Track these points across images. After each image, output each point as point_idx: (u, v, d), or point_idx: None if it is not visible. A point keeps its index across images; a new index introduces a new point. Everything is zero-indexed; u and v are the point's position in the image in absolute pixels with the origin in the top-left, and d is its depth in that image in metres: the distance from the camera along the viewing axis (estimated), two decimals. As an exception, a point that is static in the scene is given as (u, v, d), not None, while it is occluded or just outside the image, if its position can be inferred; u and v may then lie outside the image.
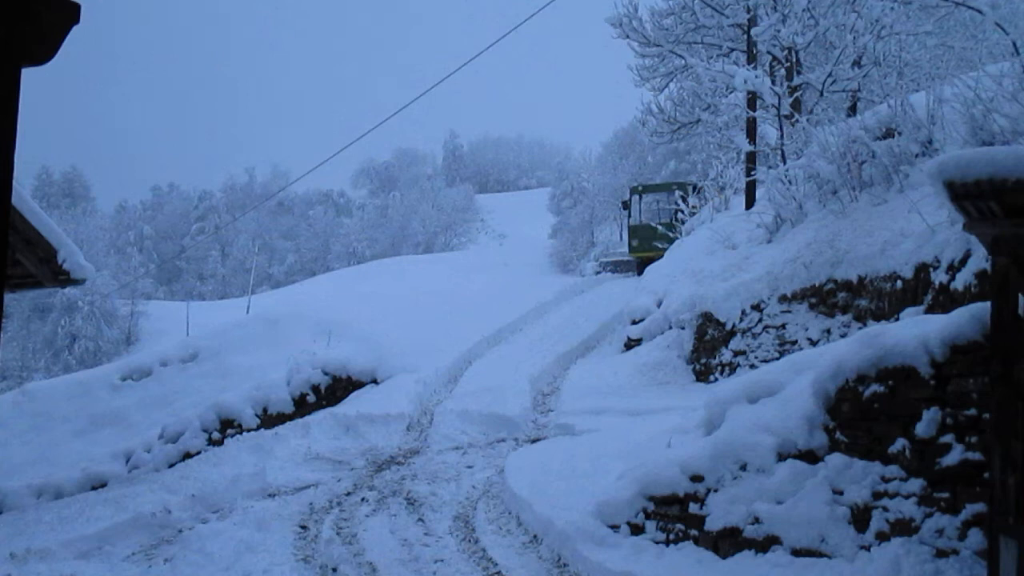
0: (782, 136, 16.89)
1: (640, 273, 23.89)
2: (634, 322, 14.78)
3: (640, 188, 27.31)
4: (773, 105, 16.74)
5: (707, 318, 12.19)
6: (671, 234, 22.65)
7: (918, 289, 8.42)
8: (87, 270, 8.29)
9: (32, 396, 13.99)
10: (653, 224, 24.74)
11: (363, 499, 8.60)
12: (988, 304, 4.77)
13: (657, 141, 22.59)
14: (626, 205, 26.95)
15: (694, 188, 25.17)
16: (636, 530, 6.42)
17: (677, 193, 25.31)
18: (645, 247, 24.78)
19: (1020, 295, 4.68)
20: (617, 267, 27.24)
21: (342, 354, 13.25)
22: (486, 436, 10.69)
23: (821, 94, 17.68)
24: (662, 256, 22.68)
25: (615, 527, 6.48)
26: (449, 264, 30.95)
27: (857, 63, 17.51)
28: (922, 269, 8.38)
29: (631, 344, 14.41)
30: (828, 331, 10.08)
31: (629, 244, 26.03)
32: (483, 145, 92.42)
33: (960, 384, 5.07)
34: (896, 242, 9.06)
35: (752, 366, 10.75)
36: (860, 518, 5.40)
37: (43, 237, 7.74)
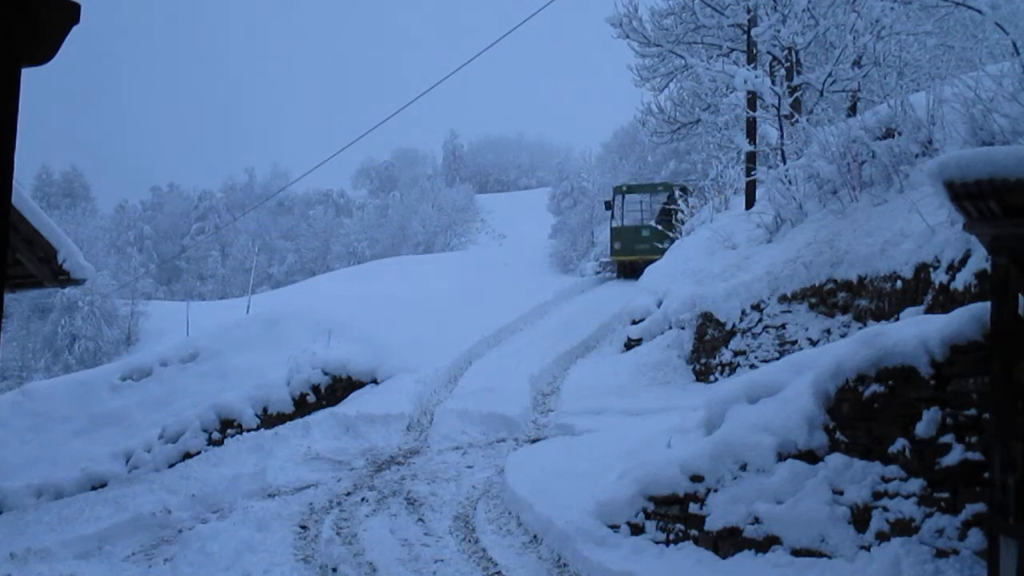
0: (782, 136, 16.89)
1: (619, 277, 22.91)
2: (634, 322, 14.78)
3: (624, 188, 25.71)
4: (773, 105, 16.74)
5: (707, 318, 12.19)
6: (671, 233, 22.38)
7: (918, 289, 8.42)
8: (87, 270, 8.28)
9: (32, 396, 13.97)
10: (637, 226, 23.76)
11: (363, 499, 8.60)
12: (988, 304, 4.77)
13: (657, 141, 22.58)
14: (609, 205, 25.18)
15: (682, 189, 24.31)
16: (636, 530, 6.42)
17: (663, 194, 24.32)
18: (628, 250, 23.41)
19: (1020, 295, 4.68)
20: None
21: (342, 354, 13.24)
22: (486, 436, 10.69)
23: (821, 94, 17.68)
24: (645, 261, 21.57)
25: (615, 527, 6.48)
26: (449, 264, 30.94)
27: (857, 63, 17.51)
28: (922, 269, 8.38)
29: (631, 344, 14.40)
30: (828, 331, 10.08)
31: (611, 247, 24.23)
32: (483, 145, 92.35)
33: (960, 384, 5.07)
34: (896, 242, 9.06)
35: (752, 366, 10.75)
36: (860, 518, 5.40)
37: (43, 237, 7.74)
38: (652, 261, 20.90)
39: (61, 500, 10.89)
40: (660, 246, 21.42)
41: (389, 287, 23.24)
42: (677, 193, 23.70)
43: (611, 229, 24.32)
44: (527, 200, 69.79)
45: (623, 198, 24.87)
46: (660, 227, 22.16)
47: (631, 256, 23.12)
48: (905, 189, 9.92)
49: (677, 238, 20.55)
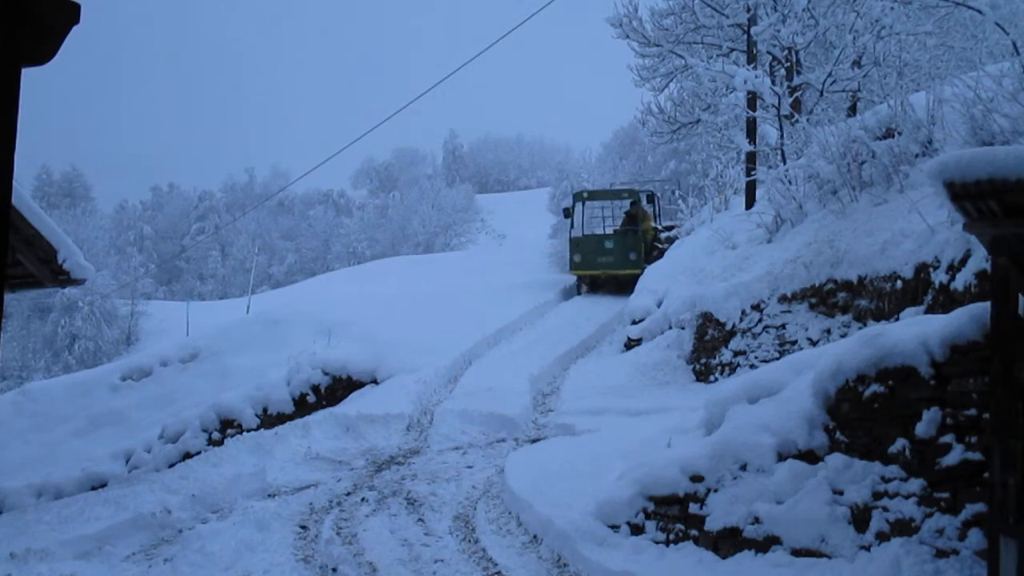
0: (782, 136, 16.89)
1: (580, 292, 20.84)
2: (634, 322, 14.78)
3: (584, 194, 22.85)
4: (773, 105, 16.74)
5: (707, 318, 12.19)
6: (666, 231, 21.96)
7: (918, 289, 8.42)
8: (87, 270, 8.28)
9: (32, 396, 13.97)
10: (599, 236, 21.48)
11: (363, 499, 8.60)
12: (988, 304, 4.77)
13: (657, 141, 22.51)
14: (568, 213, 21.84)
15: (648, 196, 22.52)
16: (636, 530, 6.42)
17: (628, 201, 22.19)
18: (589, 264, 20.58)
19: (1020, 295, 4.68)
20: None
21: (342, 354, 13.24)
22: (486, 436, 10.68)
23: (821, 94, 17.68)
24: (608, 276, 20.33)
25: (615, 527, 6.48)
26: (449, 264, 30.90)
27: (857, 63, 17.52)
28: (922, 269, 8.38)
29: (631, 344, 14.40)
30: (828, 331, 10.08)
31: (570, 260, 21.19)
32: (483, 145, 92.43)
33: (960, 384, 5.07)
34: (896, 242, 9.06)
35: (752, 366, 10.75)
36: (860, 518, 5.40)
37: (43, 237, 7.73)
38: (618, 276, 20.00)
39: (61, 500, 10.88)
40: (627, 259, 20.06)
41: (389, 287, 23.24)
42: (644, 199, 21.95)
43: (570, 240, 21.48)
44: (527, 200, 69.87)
45: (583, 205, 22.26)
46: (627, 236, 20.48)
47: (592, 270, 20.63)
48: (905, 189, 9.92)
49: (646, 252, 19.87)
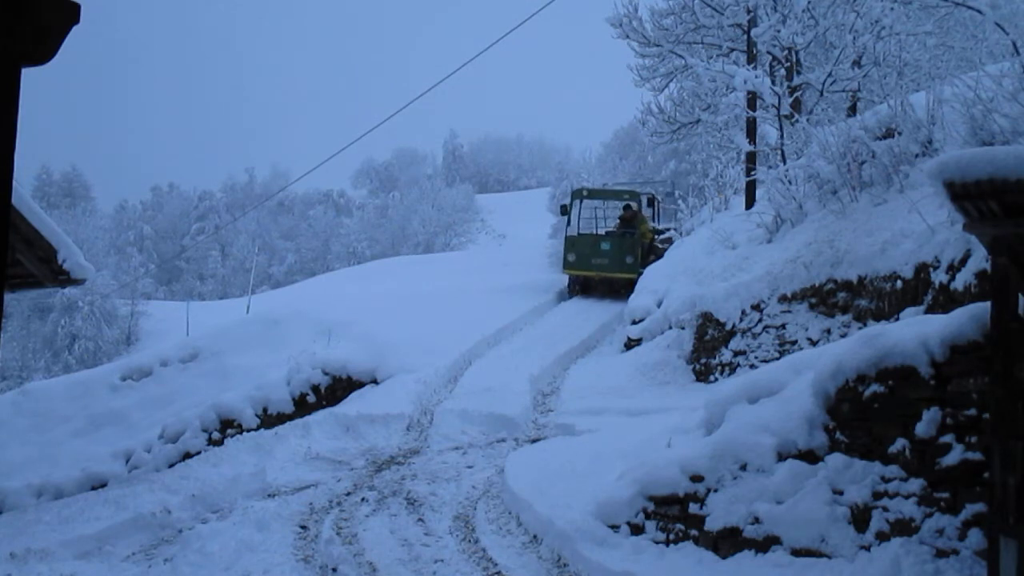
0: (782, 136, 16.89)
1: (572, 294, 20.13)
2: (634, 322, 14.78)
3: (584, 192, 22.21)
4: (773, 105, 16.74)
5: (707, 318, 12.19)
6: (663, 232, 21.72)
7: (918, 289, 8.43)
8: (87, 270, 8.28)
9: (32, 396, 13.96)
10: (596, 236, 20.62)
11: (363, 499, 8.60)
12: (988, 304, 4.77)
13: (657, 141, 22.49)
14: (565, 210, 21.20)
15: (649, 199, 21.98)
16: (636, 530, 6.42)
17: (629, 202, 21.12)
18: (583, 264, 19.82)
19: (1020, 295, 4.69)
20: None
21: (342, 354, 13.23)
22: (486, 436, 10.68)
23: (821, 94, 17.69)
24: (603, 278, 19.74)
25: (615, 527, 6.48)
26: (449, 264, 30.88)
27: (857, 63, 17.52)
28: (922, 269, 8.39)
29: (631, 344, 14.40)
30: (828, 331, 10.09)
31: (564, 259, 20.34)
32: (483, 145, 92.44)
33: (960, 384, 5.08)
34: (896, 242, 9.07)
35: (752, 366, 10.75)
36: (860, 518, 5.40)
37: (43, 237, 7.73)
38: (613, 279, 19.52)
39: (61, 500, 10.88)
40: (623, 263, 19.51)
41: (389, 287, 23.21)
42: (644, 203, 21.40)
43: (566, 238, 20.75)
44: (527, 200, 69.90)
45: (581, 203, 21.64)
46: (624, 238, 19.98)
47: (587, 271, 19.88)
48: (905, 189, 9.92)
49: (643, 255, 19.54)
